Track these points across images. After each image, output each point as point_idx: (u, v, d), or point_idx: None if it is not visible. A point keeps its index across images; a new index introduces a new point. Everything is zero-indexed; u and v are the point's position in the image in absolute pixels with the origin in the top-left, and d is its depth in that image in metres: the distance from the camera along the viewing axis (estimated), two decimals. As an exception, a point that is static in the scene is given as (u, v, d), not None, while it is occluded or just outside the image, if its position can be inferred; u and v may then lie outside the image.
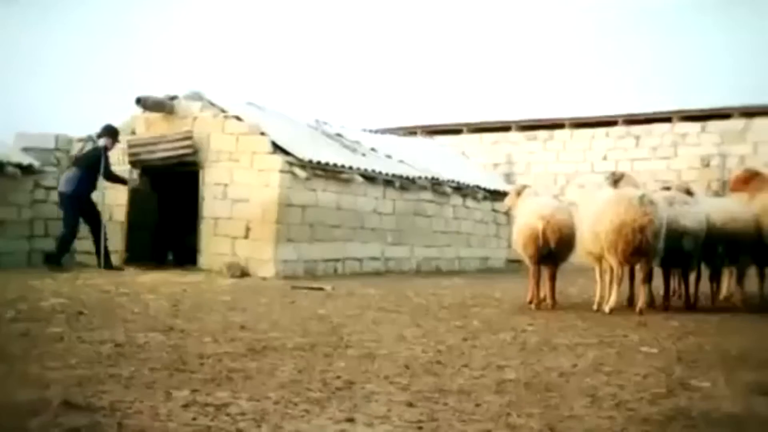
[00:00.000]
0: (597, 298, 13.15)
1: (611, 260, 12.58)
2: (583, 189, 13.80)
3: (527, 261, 13.71)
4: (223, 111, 22.18)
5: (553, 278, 13.77)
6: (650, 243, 12.21)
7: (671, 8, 70.46)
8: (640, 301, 12.69)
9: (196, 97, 22.83)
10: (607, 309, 12.55)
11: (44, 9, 65.53)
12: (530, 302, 13.61)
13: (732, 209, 13.66)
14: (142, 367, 7.07)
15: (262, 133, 21.29)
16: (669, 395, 6.29)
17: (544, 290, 13.75)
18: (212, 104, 22.55)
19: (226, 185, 21.36)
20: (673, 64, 66.54)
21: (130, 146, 22.28)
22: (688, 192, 13.91)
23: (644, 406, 5.92)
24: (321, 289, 16.30)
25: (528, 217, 13.58)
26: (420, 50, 78.66)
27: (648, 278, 12.90)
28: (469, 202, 28.14)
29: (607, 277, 13.17)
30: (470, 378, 6.88)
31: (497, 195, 28.76)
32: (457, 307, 13.47)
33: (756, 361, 7.97)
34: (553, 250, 13.28)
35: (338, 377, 6.78)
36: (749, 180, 14.97)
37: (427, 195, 26.10)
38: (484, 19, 77.46)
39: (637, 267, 12.97)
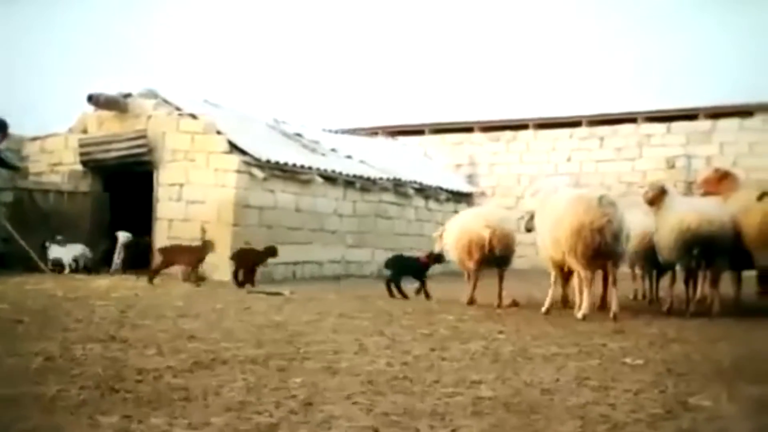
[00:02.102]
0: (547, 303, 13.05)
1: (573, 264, 12.46)
2: (538, 194, 13.59)
3: (471, 266, 14.38)
4: (178, 109, 21.70)
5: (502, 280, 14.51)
6: (609, 244, 12.01)
7: (634, 9, 70.27)
8: (613, 305, 12.26)
9: (151, 94, 22.28)
10: (579, 315, 12.07)
11: (38, 9, 64.46)
12: (470, 303, 14.34)
13: (707, 210, 13.03)
14: (72, 385, 6.26)
15: (219, 132, 20.75)
16: (669, 416, 5.56)
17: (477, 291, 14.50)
18: (167, 102, 22.05)
19: (181, 186, 20.85)
20: (638, 65, 66.34)
21: (82, 146, 21.68)
22: (663, 191, 13.38)
23: (643, 430, 5.20)
24: (279, 293, 15.69)
25: (474, 224, 14.29)
26: (381, 50, 78.13)
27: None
28: (432, 204, 27.70)
29: (575, 282, 12.96)
30: (442, 396, 6.10)
31: (460, 196, 28.39)
32: (421, 312, 12.78)
33: (754, 373, 7.23)
34: (498, 256, 14.09)
35: (293, 396, 5.99)
36: (720, 180, 14.52)
37: (389, 196, 25.62)
38: (445, 19, 77.00)
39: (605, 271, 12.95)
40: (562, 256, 12.56)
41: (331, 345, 8.79)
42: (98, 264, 20.37)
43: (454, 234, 14.74)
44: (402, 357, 8.02)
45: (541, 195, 13.62)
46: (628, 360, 8.01)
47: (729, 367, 7.54)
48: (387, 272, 16.43)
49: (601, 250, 11.96)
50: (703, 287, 13.99)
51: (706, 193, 14.72)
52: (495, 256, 14.07)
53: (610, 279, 12.61)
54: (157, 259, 18.01)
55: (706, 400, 6.04)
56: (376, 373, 7.08)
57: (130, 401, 5.77)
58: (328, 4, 75.99)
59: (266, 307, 13.00)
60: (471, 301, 14.41)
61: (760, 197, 12.84)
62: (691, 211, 12.90)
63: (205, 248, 18.29)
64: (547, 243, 12.92)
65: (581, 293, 12.33)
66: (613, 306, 12.20)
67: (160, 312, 11.83)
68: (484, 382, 6.72)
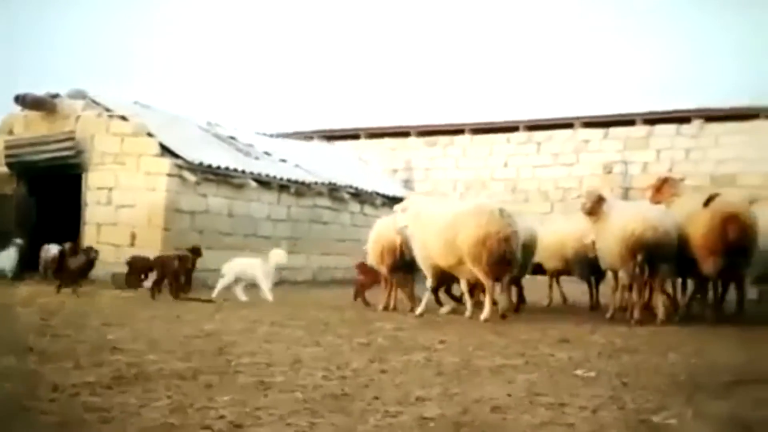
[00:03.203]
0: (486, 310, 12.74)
1: (476, 272, 12.76)
2: (408, 210, 13.84)
3: (383, 271, 14.84)
4: (107, 110, 21.09)
5: (408, 285, 14.94)
6: (514, 253, 12.68)
7: (570, 16, 70.46)
8: (500, 306, 12.86)
9: (79, 95, 21.72)
10: (482, 317, 12.50)
11: None
12: (385, 308, 14.61)
13: (651, 216, 12.68)
14: (-23, 404, 5.71)
15: (150, 134, 20.31)
16: (633, 437, 5.11)
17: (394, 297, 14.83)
18: (96, 103, 21.52)
19: (110, 189, 20.41)
20: (575, 70, 66.49)
21: (8, 147, 21.12)
22: (600, 198, 13.10)
23: (607, 455, 4.74)
24: (210, 301, 15.27)
25: (386, 231, 14.69)
26: (317, 53, 77.65)
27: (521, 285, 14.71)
28: (368, 209, 27.32)
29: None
30: (385, 416, 5.57)
31: (396, 202, 28.04)
32: (358, 320, 12.38)
33: (714, 387, 6.75)
34: (408, 261, 14.44)
35: (221, 417, 5.42)
36: (662, 187, 14.23)
37: (324, 201, 25.28)
38: (381, 24, 76.72)
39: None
40: (455, 262, 13.01)
41: (264, 357, 8.25)
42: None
43: (371, 241, 15.15)
44: (339, 370, 7.48)
45: (412, 210, 14.10)
46: (579, 372, 7.53)
47: (686, 381, 7.07)
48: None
49: (506, 258, 12.56)
50: (644, 294, 13.66)
51: (655, 203, 14.35)
52: (405, 261, 14.49)
53: (506, 283, 12.96)
54: (361, 278, 16.40)
55: (671, 418, 5.55)
56: (312, 388, 6.52)
57: (37, 426, 5.20)
58: (263, 7, 75.46)
59: (196, 316, 12.56)
60: (386, 307, 14.62)
61: (707, 203, 12.49)
62: (634, 217, 12.57)
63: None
64: (431, 252, 13.41)
65: (486, 299, 12.80)
66: (500, 307, 12.82)
67: (84, 321, 11.33)
68: (429, 398, 6.19)
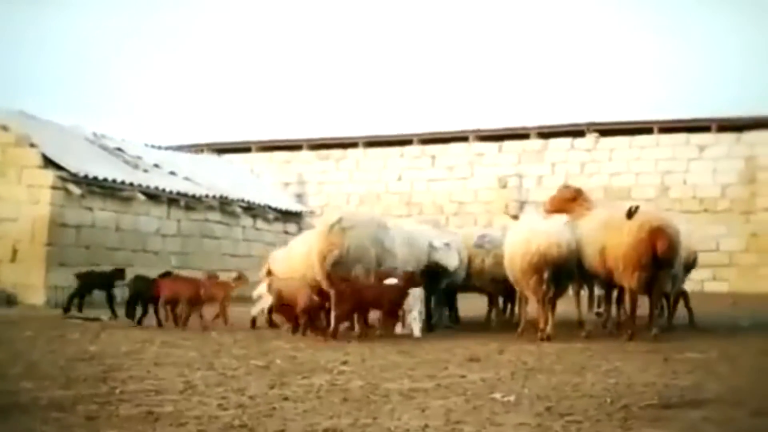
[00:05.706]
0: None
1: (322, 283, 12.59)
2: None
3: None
4: (-14, 119, 20.20)
5: None
6: (330, 273, 12.28)
7: (465, 27, 70.63)
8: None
9: (-43, 103, 20.78)
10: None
11: None
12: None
13: (555, 232, 12.25)
14: None
15: (32, 145, 19.64)
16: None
17: None
18: (-26, 112, 20.56)
19: (-10, 202, 19.37)
20: (469, 83, 66.60)
21: None
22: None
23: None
24: (97, 319, 14.62)
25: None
26: (205, 65, 76.68)
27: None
28: (260, 223, 26.91)
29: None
30: (292, 453, 4.96)
31: (289, 216, 27.64)
32: (254, 340, 11.83)
33: (645, 411, 6.23)
34: None
35: (104, 456, 4.79)
36: (573, 200, 13.67)
37: (215, 215, 24.78)
38: (268, 34, 76.10)
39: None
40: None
41: (153, 382, 7.58)
42: None
43: (299, 254, 14.17)
44: (237, 397, 6.81)
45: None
46: (497, 396, 6.91)
47: (612, 404, 6.55)
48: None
49: (329, 276, 12.26)
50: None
51: (555, 212, 13.79)
52: None
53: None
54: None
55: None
56: (206, 420, 5.84)
57: None
58: (152, 17, 74.38)
59: (81, 335, 11.98)
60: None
61: (630, 215, 12.02)
62: (537, 232, 12.16)
63: None
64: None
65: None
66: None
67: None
68: (340, 430, 5.56)
